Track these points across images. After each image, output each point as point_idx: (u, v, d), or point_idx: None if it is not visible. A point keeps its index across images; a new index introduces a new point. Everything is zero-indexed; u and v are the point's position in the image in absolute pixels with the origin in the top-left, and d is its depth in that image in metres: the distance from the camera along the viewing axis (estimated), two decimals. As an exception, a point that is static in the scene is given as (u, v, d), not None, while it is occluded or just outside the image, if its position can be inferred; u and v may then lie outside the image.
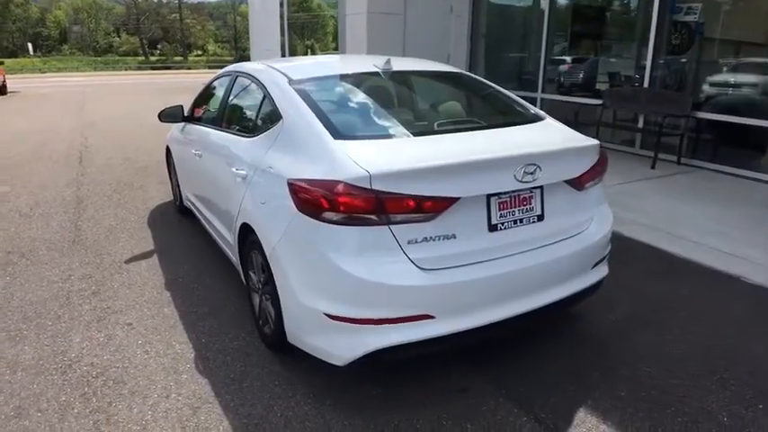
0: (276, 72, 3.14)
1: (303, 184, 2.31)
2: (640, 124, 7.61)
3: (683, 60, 7.60)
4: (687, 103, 6.82)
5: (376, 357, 2.30)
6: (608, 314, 3.34)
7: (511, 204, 2.43)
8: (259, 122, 3.10)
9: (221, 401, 2.55)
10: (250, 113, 3.35)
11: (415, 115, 3.06)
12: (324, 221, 2.22)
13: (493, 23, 10.21)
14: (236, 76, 3.70)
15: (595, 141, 2.81)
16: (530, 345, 3.01)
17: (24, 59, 44.67)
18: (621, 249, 4.37)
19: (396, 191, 2.17)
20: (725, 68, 7.37)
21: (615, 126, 7.92)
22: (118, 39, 67.17)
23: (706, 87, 7.34)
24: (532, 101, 9.13)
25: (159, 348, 3.01)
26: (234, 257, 3.34)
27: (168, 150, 5.32)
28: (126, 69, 49.12)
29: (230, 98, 3.73)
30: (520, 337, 3.07)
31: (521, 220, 2.48)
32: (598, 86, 8.73)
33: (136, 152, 8.46)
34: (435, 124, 2.82)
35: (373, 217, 2.17)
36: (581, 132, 2.89)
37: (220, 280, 3.83)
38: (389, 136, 2.60)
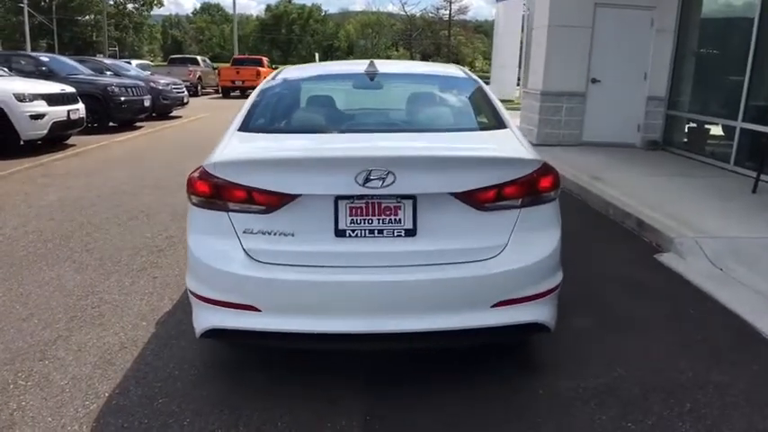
0: (278, 72, 3.47)
1: None
2: None
3: None
4: None
5: (220, 336, 2.48)
6: (590, 378, 2.78)
7: (366, 212, 2.32)
8: None
9: (143, 349, 2.98)
10: None
11: (343, 115, 3.09)
12: (190, 203, 2.47)
13: (704, 40, 8.76)
14: None
15: (523, 156, 2.46)
16: (451, 377, 2.77)
17: (312, 67, 52.74)
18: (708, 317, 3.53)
19: (231, 180, 2.31)
20: None
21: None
22: (396, 52, 74.63)
23: None
24: (731, 130, 7.65)
25: (152, 300, 3.59)
26: None
27: None
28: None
29: None
30: (452, 367, 2.85)
31: (380, 231, 2.33)
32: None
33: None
34: (346, 124, 2.82)
35: (216, 202, 2.34)
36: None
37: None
38: (288, 132, 2.73)
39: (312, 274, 2.32)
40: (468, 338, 2.50)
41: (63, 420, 2.40)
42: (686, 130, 9.12)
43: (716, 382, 2.77)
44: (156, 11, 57.06)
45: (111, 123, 11.55)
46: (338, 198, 2.31)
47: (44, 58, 11.56)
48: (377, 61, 3.31)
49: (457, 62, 68.01)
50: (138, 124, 12.49)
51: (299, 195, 2.29)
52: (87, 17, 49.00)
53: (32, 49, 35.53)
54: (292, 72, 3.67)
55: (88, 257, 4.30)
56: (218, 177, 2.33)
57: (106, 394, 2.58)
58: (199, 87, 23.51)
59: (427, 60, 69.64)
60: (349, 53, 73.44)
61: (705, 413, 2.53)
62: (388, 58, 72.86)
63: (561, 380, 2.77)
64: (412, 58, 69.03)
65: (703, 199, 6.00)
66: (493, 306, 2.41)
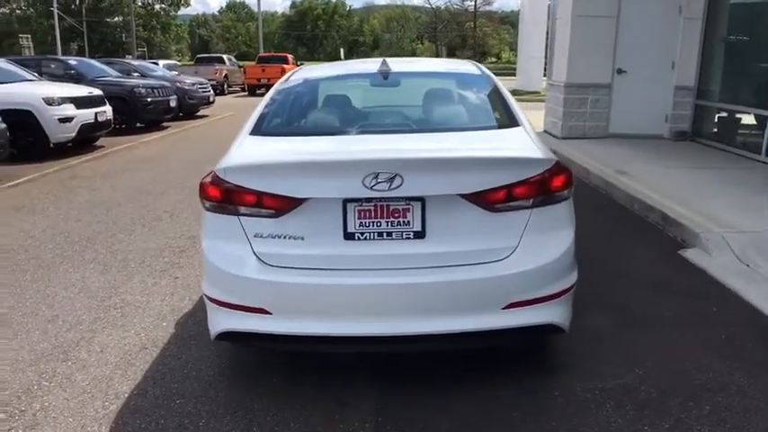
0: (290, 74, 3.49)
1: None
2: None
3: None
4: None
5: (234, 338, 2.52)
6: (608, 380, 2.73)
7: (375, 214, 2.32)
8: None
9: (162, 350, 3.05)
10: None
11: (354, 117, 3.09)
12: (203, 207, 2.51)
13: (734, 27, 8.47)
14: None
15: (534, 155, 2.43)
16: (465, 377, 2.76)
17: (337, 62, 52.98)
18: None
19: (241, 184, 2.34)
20: None
21: None
22: (421, 45, 74.27)
23: None
24: (763, 120, 7.40)
25: (173, 301, 3.67)
26: None
27: None
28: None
29: None
30: (465, 367, 2.84)
31: (389, 234, 2.33)
32: None
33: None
34: (357, 126, 2.84)
35: (227, 206, 2.38)
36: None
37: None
38: (299, 134, 2.76)
39: (322, 277, 2.33)
40: (480, 340, 2.49)
41: (83, 421, 2.47)
42: (716, 120, 8.85)
43: (738, 384, 2.70)
44: (183, 11, 57.95)
45: (138, 124, 11.79)
46: (346, 201, 2.31)
47: (72, 61, 11.86)
48: (390, 60, 3.30)
49: (483, 54, 67.21)
50: (164, 124, 12.72)
51: (308, 199, 2.30)
52: (116, 19, 50.05)
53: (63, 52, 36.52)
54: (303, 73, 3.69)
55: (112, 259, 4.41)
56: (228, 182, 2.36)
57: (125, 395, 2.65)
58: (225, 86, 23.83)
59: (453, 53, 69.04)
60: (374, 48, 73.37)
61: (725, 416, 2.47)
62: (414, 51, 72.47)
63: (577, 381, 2.73)
64: (437, 50, 68.54)
65: (732, 192, 5.82)
66: (504, 308, 2.39)
